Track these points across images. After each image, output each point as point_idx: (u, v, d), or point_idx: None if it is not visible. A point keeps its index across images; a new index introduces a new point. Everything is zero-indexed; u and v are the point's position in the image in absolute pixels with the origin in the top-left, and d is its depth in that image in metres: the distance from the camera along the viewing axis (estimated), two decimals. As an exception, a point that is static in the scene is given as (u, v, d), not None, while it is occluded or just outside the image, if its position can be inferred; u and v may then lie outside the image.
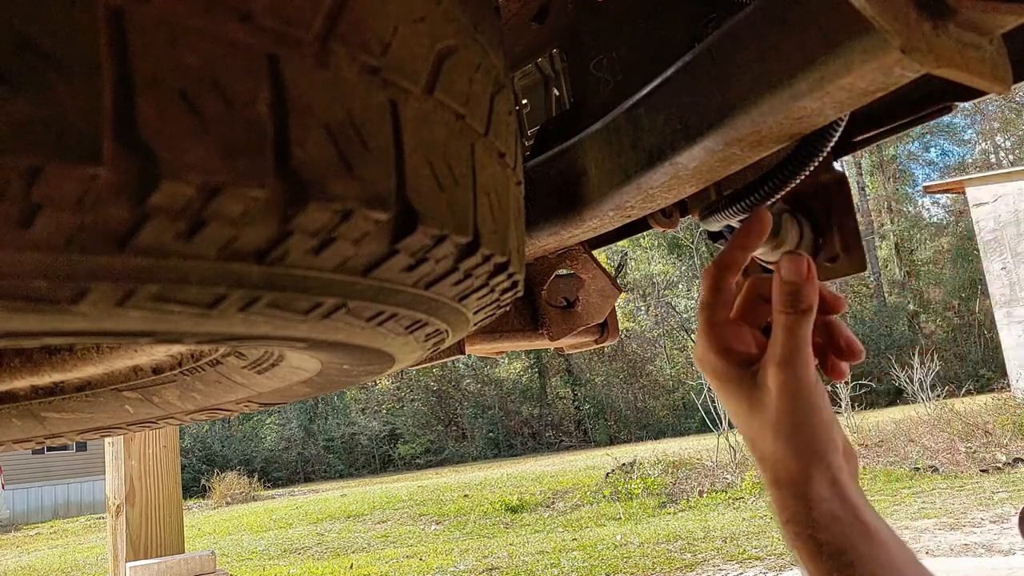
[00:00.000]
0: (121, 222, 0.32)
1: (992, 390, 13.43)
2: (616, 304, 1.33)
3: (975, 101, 0.94)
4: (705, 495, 8.54)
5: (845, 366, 0.70)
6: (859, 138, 1.03)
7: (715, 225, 0.92)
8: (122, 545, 3.44)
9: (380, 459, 30.04)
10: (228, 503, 17.19)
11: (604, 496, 9.39)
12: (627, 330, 31.29)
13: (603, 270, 1.26)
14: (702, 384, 10.92)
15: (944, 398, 11.64)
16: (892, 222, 35.03)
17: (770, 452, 0.64)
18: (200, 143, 0.32)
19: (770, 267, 1.09)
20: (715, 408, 10.15)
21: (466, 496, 11.50)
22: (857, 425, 10.90)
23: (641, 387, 31.48)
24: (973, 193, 12.66)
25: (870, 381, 15.07)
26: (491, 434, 30.09)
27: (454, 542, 7.71)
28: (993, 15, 0.48)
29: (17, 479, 19.97)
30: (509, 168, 0.60)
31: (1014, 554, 4.16)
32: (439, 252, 0.47)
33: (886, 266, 34.12)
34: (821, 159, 0.74)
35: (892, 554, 0.60)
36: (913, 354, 12.53)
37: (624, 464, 10.65)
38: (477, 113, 0.52)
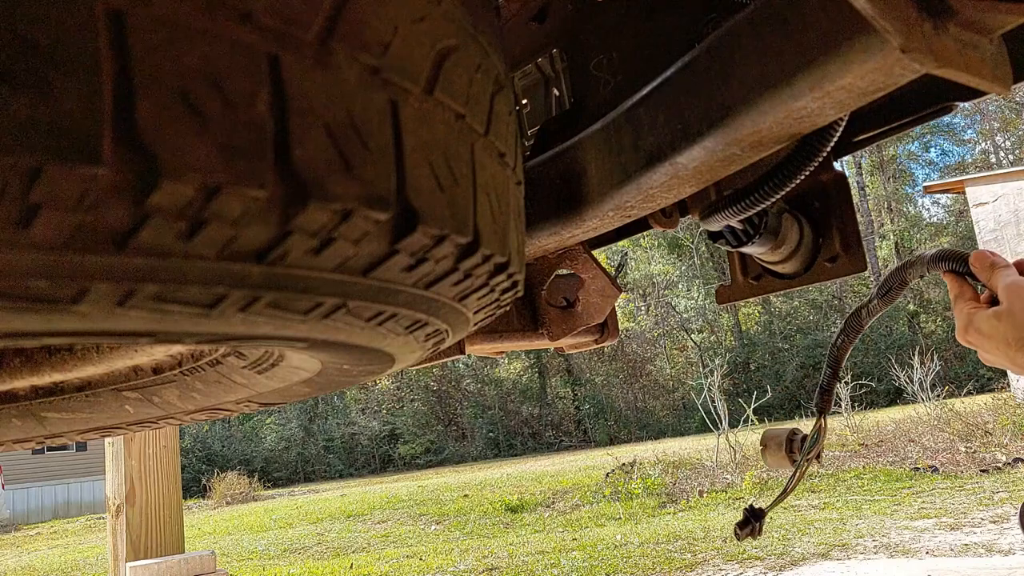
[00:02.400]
0: (121, 222, 0.31)
1: (992, 390, 13.42)
2: (616, 304, 1.33)
3: (975, 101, 0.94)
4: (705, 495, 8.54)
5: None
6: (859, 138, 1.03)
7: (715, 225, 0.92)
8: (122, 545, 3.44)
9: (380, 459, 30.02)
10: (228, 503, 17.17)
11: (604, 496, 9.38)
12: (627, 330, 31.26)
13: (603, 270, 1.26)
14: (702, 384, 10.91)
15: (944, 398, 11.63)
16: (892, 222, 35.02)
17: None
18: (200, 143, 0.32)
19: (770, 267, 1.09)
20: (715, 408, 10.14)
21: (466, 496, 11.50)
22: (857, 425, 10.90)
23: (641, 387, 31.46)
24: (973, 193, 12.65)
25: (870, 381, 15.07)
26: (491, 434, 30.08)
27: (454, 542, 7.71)
28: (993, 15, 0.48)
29: (17, 479, 19.97)
30: (509, 168, 0.60)
31: (1014, 554, 4.16)
32: (439, 252, 0.47)
33: (886, 266, 34.08)
34: (821, 159, 0.74)
35: None
36: (913, 354, 12.52)
37: (624, 464, 10.64)
38: (477, 113, 0.52)
